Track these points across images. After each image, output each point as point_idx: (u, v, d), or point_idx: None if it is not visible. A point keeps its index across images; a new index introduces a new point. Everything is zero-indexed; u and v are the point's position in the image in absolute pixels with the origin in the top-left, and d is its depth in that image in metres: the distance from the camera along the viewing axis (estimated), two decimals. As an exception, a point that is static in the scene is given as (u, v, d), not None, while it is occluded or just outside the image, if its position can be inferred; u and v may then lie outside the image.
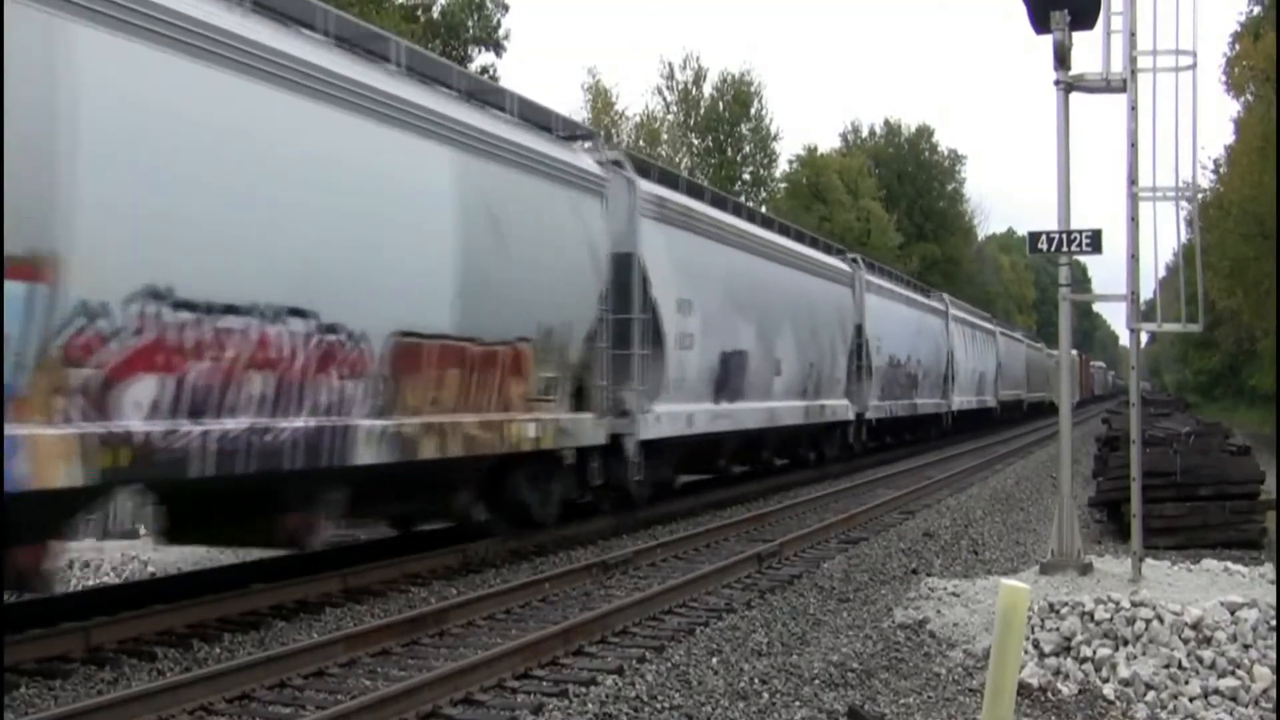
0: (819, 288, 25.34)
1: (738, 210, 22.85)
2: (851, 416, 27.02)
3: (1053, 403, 67.72)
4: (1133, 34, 10.25)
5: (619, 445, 15.56)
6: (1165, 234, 28.35)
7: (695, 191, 20.40)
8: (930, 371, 35.90)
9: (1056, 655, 8.40)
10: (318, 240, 10.18)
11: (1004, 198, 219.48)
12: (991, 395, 47.68)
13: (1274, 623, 8.31)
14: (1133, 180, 10.16)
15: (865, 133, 77.04)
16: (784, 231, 24.84)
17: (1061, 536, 10.42)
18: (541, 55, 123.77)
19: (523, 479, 13.97)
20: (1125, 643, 8.33)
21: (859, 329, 27.76)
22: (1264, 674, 7.90)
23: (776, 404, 22.17)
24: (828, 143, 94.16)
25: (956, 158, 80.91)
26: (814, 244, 26.97)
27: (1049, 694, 7.97)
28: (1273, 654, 8.06)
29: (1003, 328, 54.70)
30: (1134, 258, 10.18)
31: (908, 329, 32.92)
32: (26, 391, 7.73)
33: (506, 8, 36.38)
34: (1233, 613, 8.40)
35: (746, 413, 20.34)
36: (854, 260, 28.67)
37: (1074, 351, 66.54)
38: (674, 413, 17.24)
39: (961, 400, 40.88)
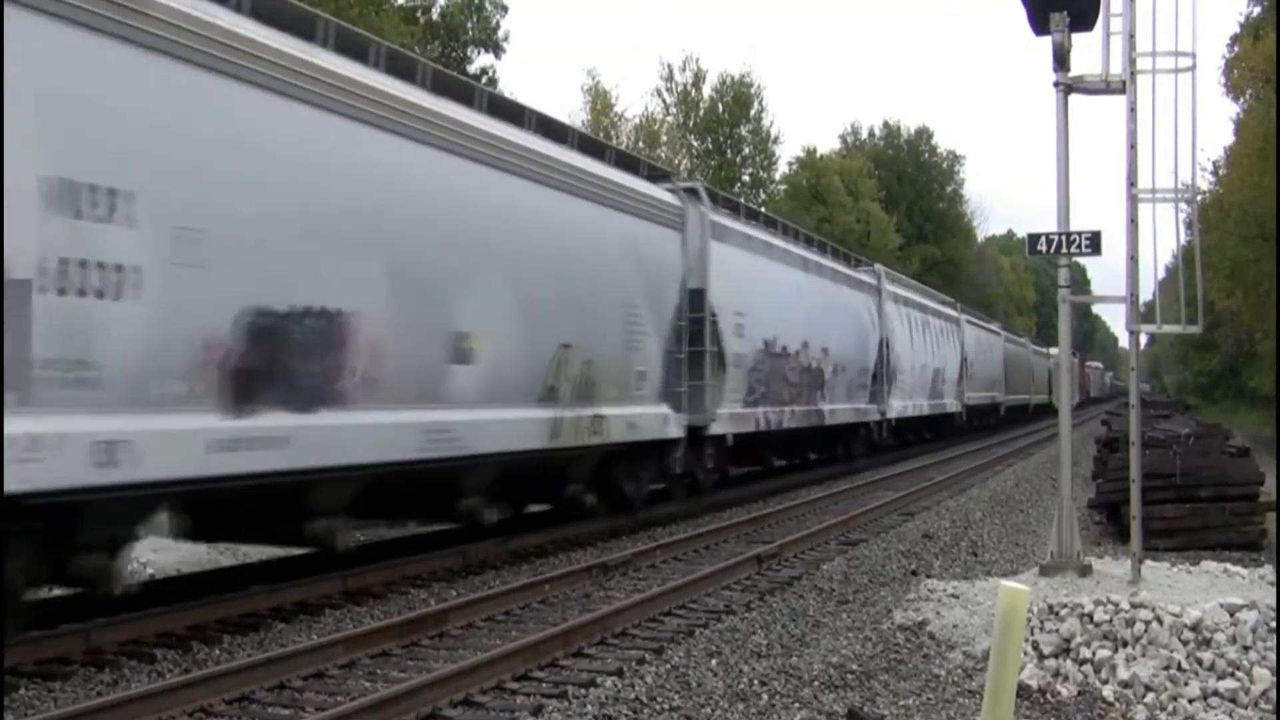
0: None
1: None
2: (673, 433, 17.14)
3: (1039, 406, 64.03)
4: (1132, 35, 10.25)
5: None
6: (1165, 235, 28.33)
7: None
8: (849, 366, 27.17)
9: (1056, 657, 8.40)
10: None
11: (1004, 199, 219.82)
12: (954, 398, 39.62)
13: (1273, 624, 8.31)
14: (1132, 182, 10.16)
15: (865, 134, 77.19)
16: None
17: (1061, 538, 10.42)
18: (540, 56, 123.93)
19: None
20: (1125, 644, 8.33)
21: (695, 295, 17.97)
22: (1263, 676, 7.90)
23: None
24: (827, 144, 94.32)
25: (956, 159, 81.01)
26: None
27: (1048, 695, 7.97)
28: (1272, 656, 8.06)
29: (972, 316, 46.45)
30: (1133, 259, 10.19)
31: (801, 303, 23.69)
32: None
33: (505, 9, 36.42)
34: (1232, 614, 8.40)
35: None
36: (690, 191, 18.98)
37: (1072, 351, 66.04)
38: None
39: (906, 405, 32.49)
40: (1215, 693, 7.82)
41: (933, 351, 36.22)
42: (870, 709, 7.53)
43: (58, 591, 10.52)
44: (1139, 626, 8.39)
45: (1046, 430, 47.38)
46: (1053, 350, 73.69)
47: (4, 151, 7.43)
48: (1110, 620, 8.49)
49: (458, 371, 12.11)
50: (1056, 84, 10.67)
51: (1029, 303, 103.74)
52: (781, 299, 22.24)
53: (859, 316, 28.63)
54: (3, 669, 7.73)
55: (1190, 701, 7.77)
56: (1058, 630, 8.57)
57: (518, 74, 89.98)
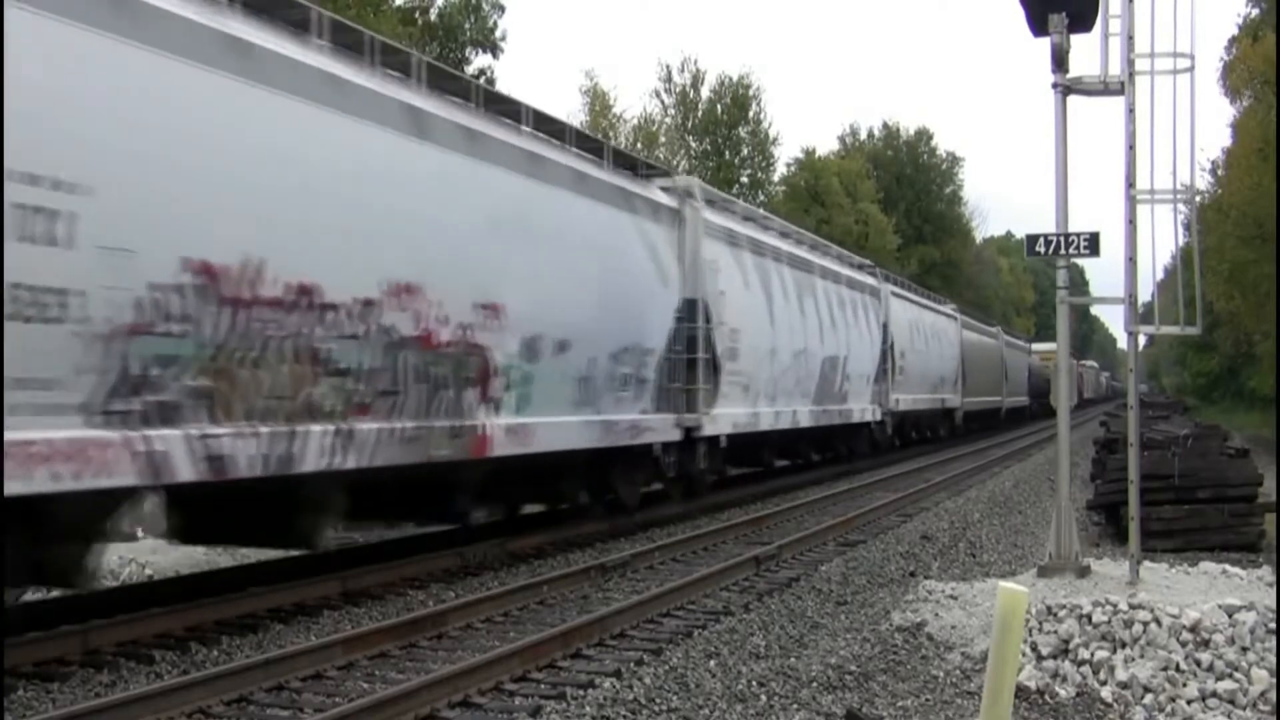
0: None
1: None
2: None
3: (1016, 410, 58.12)
4: (1131, 37, 10.25)
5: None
6: (1164, 237, 28.30)
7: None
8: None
9: (1054, 658, 8.40)
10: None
11: (1002, 200, 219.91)
12: (870, 401, 29.20)
13: (1272, 625, 8.31)
14: (1131, 183, 10.16)
15: (864, 135, 77.16)
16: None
17: (1060, 539, 10.42)
18: (539, 57, 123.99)
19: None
20: (1123, 645, 8.33)
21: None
22: (1262, 676, 7.90)
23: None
24: (826, 145, 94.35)
25: (955, 160, 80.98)
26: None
27: (1047, 696, 7.98)
28: (1271, 657, 8.06)
29: (906, 291, 35.96)
30: (1132, 260, 10.19)
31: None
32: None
33: (503, 9, 36.44)
34: (1231, 615, 8.40)
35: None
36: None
37: (1053, 348, 64.82)
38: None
39: (742, 414, 21.82)
40: (1214, 694, 7.83)
41: (818, 332, 24.83)
42: (868, 710, 7.53)
43: (56, 593, 10.53)
44: (1137, 628, 8.39)
45: (1039, 434, 47.37)
46: (1037, 345, 70.75)
47: (3, 151, 7.43)
48: (1109, 621, 8.50)
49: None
50: (1055, 85, 10.67)
51: (1027, 304, 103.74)
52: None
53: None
54: (3, 669, 7.73)
55: (1189, 703, 7.77)
56: (1056, 631, 8.57)
57: (516, 75, 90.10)
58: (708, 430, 18.05)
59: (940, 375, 38.58)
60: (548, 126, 14.65)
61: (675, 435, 17.26)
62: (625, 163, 17.14)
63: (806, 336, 24.01)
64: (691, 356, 17.64)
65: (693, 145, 55.96)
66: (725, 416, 18.97)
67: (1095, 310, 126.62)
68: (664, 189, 17.99)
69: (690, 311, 17.77)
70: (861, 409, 28.49)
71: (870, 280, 30.99)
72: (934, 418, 39.16)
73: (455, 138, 12.15)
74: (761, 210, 23.78)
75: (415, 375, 11.32)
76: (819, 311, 25.08)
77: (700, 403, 17.75)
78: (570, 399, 14.39)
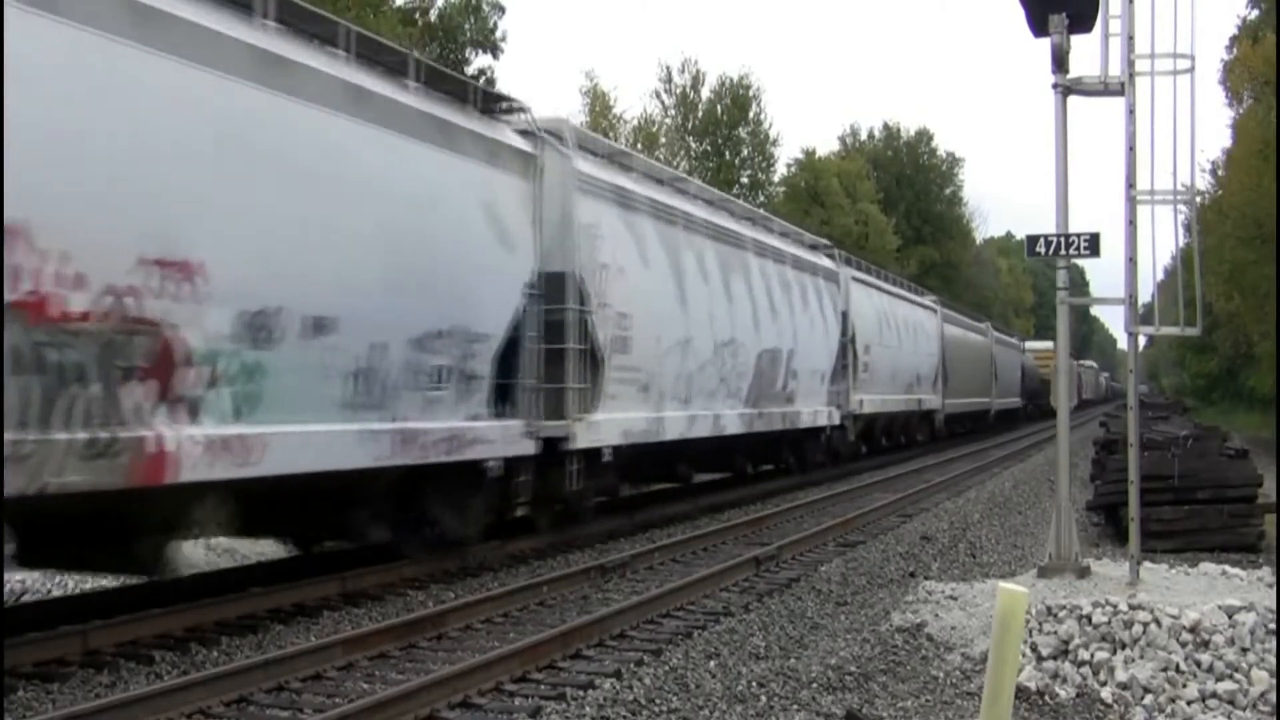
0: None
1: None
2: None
3: (1006, 413, 54.25)
4: (1131, 37, 10.25)
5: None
6: (1164, 237, 28.29)
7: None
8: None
9: (1054, 658, 8.40)
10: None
11: (1002, 201, 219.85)
12: (825, 403, 25.19)
13: (1272, 626, 8.31)
14: (1131, 184, 10.16)
15: (864, 136, 77.17)
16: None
17: (1059, 540, 10.42)
18: (539, 58, 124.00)
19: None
20: (1123, 646, 8.33)
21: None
22: (1261, 677, 7.90)
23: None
24: (826, 146, 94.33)
25: (955, 161, 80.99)
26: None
27: (1047, 697, 7.97)
28: (1270, 657, 8.06)
29: (871, 278, 31.57)
30: (1132, 261, 10.19)
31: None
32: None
33: (503, 10, 36.44)
34: (1230, 616, 8.40)
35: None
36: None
37: (1049, 346, 64.31)
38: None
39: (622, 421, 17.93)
40: (1213, 694, 7.83)
41: (751, 320, 20.80)
42: (868, 711, 7.53)
43: (55, 593, 10.53)
44: (1137, 628, 8.39)
45: (1031, 437, 47.36)
46: (1032, 344, 69.47)
47: (3, 151, 7.41)
48: (1109, 622, 8.50)
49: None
50: (1055, 86, 10.67)
51: (1027, 305, 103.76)
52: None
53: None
54: (3, 670, 7.73)
55: (1188, 703, 7.77)
56: (1056, 632, 8.57)
57: (516, 75, 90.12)
58: (582, 441, 14.22)
59: (916, 373, 34.68)
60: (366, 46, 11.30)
61: (525, 448, 13.35)
62: (452, 88, 12.83)
63: (735, 325, 19.77)
64: (556, 347, 13.83)
65: (693, 146, 55.98)
66: (611, 424, 15.15)
67: (1095, 311, 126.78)
68: (520, 131, 13.84)
69: (555, 289, 13.89)
70: (814, 411, 24.21)
71: (826, 262, 26.78)
72: (909, 421, 35.21)
73: (112, 18, 8.34)
74: (674, 170, 18.67)
75: (15, 364, 7.62)
76: (754, 296, 20.85)
77: (571, 406, 13.99)
78: (338, 400, 10.53)
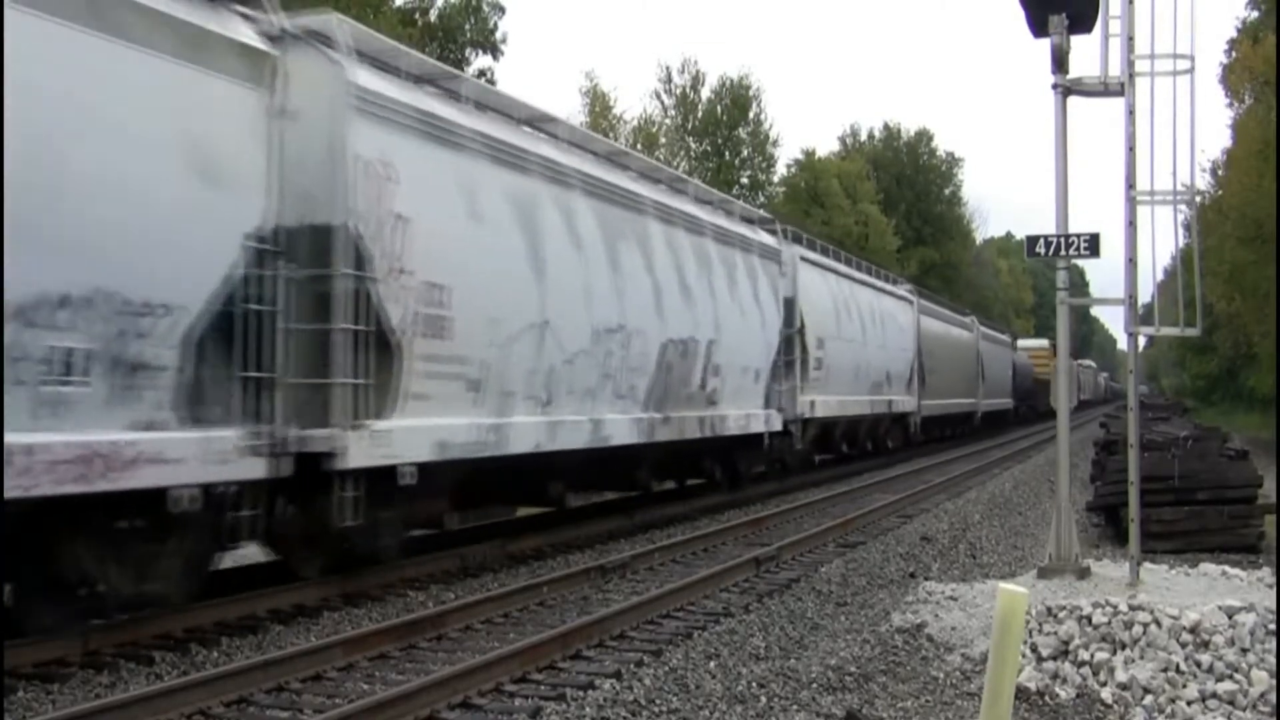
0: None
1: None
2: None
3: (993, 415, 49.23)
4: (1131, 38, 10.25)
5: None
6: (1164, 238, 28.28)
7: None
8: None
9: (1054, 659, 8.40)
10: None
11: (1002, 202, 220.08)
12: (759, 404, 21.06)
13: (1272, 627, 8.31)
14: (1131, 184, 10.16)
15: (864, 136, 77.19)
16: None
17: (1059, 540, 10.42)
18: (539, 58, 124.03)
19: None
20: (1123, 646, 8.33)
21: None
22: (1261, 678, 7.89)
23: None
24: (826, 146, 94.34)
25: (954, 161, 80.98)
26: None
27: (1047, 698, 7.97)
28: (1270, 658, 8.06)
29: (822, 258, 27.09)
30: (1132, 262, 10.19)
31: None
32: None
33: (503, 10, 36.43)
34: (1230, 617, 8.40)
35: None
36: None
37: (1050, 345, 63.50)
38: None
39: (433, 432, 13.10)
40: (1214, 695, 7.82)
41: (653, 302, 16.79)
42: (868, 711, 7.53)
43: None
44: (1137, 629, 8.38)
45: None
46: (1025, 342, 69.22)
47: (3, 151, 7.41)
48: (1109, 622, 8.49)
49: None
50: (1055, 86, 10.67)
51: (1027, 305, 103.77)
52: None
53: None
54: (2, 670, 7.73)
55: (1189, 704, 7.77)
56: (1056, 632, 8.56)
57: (516, 75, 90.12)
58: (361, 458, 10.56)
59: (886, 371, 30.81)
60: None
61: (247, 469, 9.67)
62: None
63: (627, 308, 15.76)
64: (318, 327, 10.36)
65: (693, 146, 56.00)
66: (415, 432, 11.40)
67: (1095, 311, 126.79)
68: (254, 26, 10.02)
69: (317, 247, 10.39)
70: (745, 416, 20.16)
71: (765, 238, 22.32)
72: (878, 425, 31.11)
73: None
74: (542, 109, 14.85)
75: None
76: (656, 272, 16.79)
77: (339, 410, 10.39)
78: None
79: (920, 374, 34.74)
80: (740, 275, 20.24)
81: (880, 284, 32.38)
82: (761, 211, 25.93)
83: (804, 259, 24.76)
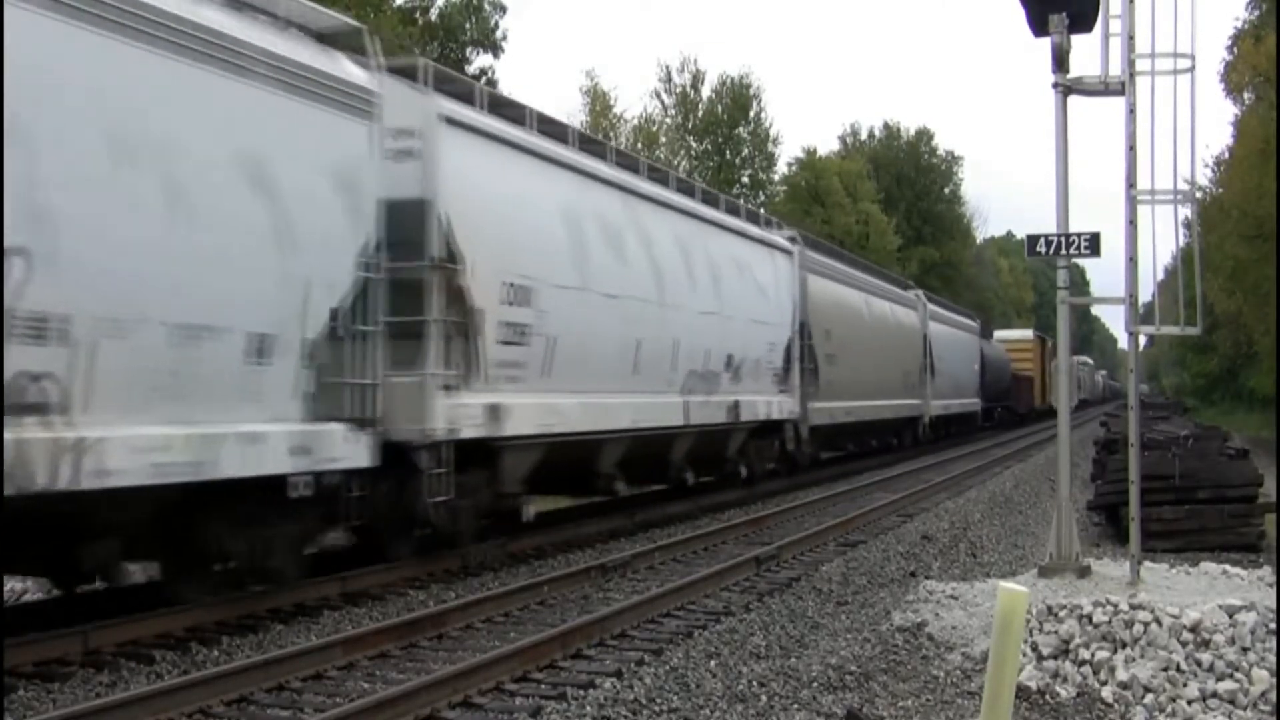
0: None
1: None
2: None
3: (950, 420, 39.35)
4: (1131, 37, 10.25)
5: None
6: (1164, 237, 28.20)
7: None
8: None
9: (1055, 658, 8.40)
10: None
11: (1003, 201, 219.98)
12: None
13: (1272, 626, 8.31)
14: (1131, 183, 10.16)
15: (864, 135, 77.19)
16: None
17: (1060, 539, 10.42)
18: (539, 58, 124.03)
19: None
20: (1123, 645, 8.33)
21: None
22: (1262, 677, 7.90)
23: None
24: (826, 145, 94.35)
25: (955, 161, 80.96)
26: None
27: (1047, 697, 7.97)
28: (1271, 657, 8.06)
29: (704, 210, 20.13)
30: (1132, 261, 10.19)
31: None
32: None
33: (504, 9, 36.41)
34: (1231, 616, 8.40)
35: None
36: None
37: (1035, 336, 61.81)
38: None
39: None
40: (1214, 694, 7.82)
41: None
42: (869, 710, 7.53)
43: (56, 592, 10.52)
44: (1138, 628, 8.39)
45: (1040, 434, 47.18)
46: (1002, 333, 59.79)
47: (4, 151, 7.41)
48: (1109, 621, 8.49)
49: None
50: (1055, 85, 10.67)
51: (1027, 305, 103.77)
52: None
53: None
54: (3, 670, 7.73)
55: (1189, 703, 7.77)
56: (1057, 631, 8.57)
57: (516, 75, 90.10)
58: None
59: (726, 354, 19.61)
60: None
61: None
62: None
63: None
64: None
65: (693, 145, 55.99)
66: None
67: (1096, 310, 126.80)
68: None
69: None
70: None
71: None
72: (715, 443, 19.71)
73: None
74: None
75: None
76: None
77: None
78: None
79: (809, 361, 23.86)
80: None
81: (727, 221, 20.97)
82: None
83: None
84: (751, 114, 56.99)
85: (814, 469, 25.43)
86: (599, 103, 49.74)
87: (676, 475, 18.77)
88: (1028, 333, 64.81)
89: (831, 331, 25.92)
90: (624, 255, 16.36)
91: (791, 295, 23.43)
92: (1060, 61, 10.60)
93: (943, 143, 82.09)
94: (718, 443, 20.01)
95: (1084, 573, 10.20)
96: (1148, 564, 10.63)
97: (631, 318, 16.31)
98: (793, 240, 24.31)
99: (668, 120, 55.48)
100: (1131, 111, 10.20)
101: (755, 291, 21.53)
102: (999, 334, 58.77)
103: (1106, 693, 7.96)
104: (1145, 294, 10.76)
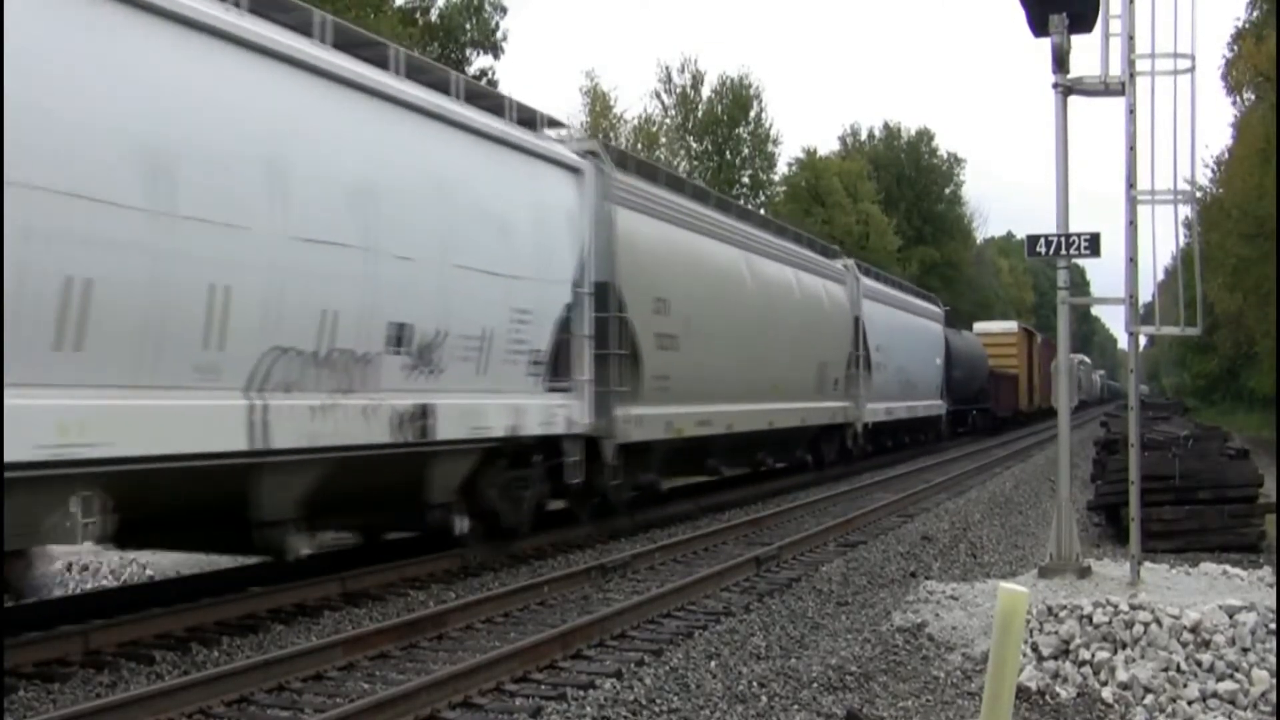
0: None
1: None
2: None
3: (901, 428, 31.98)
4: (1131, 37, 10.25)
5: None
6: (1164, 237, 28.16)
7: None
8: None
9: (1055, 658, 8.40)
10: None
11: (1003, 201, 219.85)
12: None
13: (1272, 626, 8.31)
14: (1131, 183, 10.16)
15: (864, 136, 77.17)
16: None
17: (1060, 540, 10.42)
18: (539, 58, 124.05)
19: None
20: (1124, 646, 8.33)
21: None
22: (1262, 677, 7.90)
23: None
24: (827, 146, 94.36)
25: (956, 161, 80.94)
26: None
27: (1047, 697, 7.97)
28: (1271, 657, 8.06)
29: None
30: (1132, 261, 10.19)
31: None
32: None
33: (505, 10, 36.41)
34: (1231, 616, 8.40)
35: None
36: None
37: (1020, 329, 59.94)
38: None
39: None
40: (1214, 694, 7.83)
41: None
42: (869, 711, 7.53)
43: (57, 593, 10.54)
44: (1138, 628, 8.39)
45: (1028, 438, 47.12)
46: (983, 326, 53.33)
47: (4, 151, 7.41)
48: (1109, 622, 8.50)
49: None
50: (1055, 85, 10.67)
51: (1027, 304, 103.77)
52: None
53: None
54: (3, 670, 7.74)
55: (1189, 703, 7.77)
56: (1057, 632, 8.57)
57: (517, 75, 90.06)
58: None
59: (389, 324, 11.34)
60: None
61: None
62: None
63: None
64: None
65: (693, 146, 55.99)
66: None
67: (1096, 311, 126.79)
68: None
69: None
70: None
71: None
72: (502, 482, 13.54)
73: None
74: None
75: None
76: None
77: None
78: None
79: (606, 344, 15.32)
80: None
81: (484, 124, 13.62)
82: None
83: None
84: (751, 114, 56.98)
85: (649, 506, 17.62)
86: (599, 103, 49.75)
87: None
88: (1011, 325, 56.10)
89: (671, 301, 17.31)
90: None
91: (578, 239, 15.02)
92: (1060, 62, 10.60)
93: (943, 143, 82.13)
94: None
95: (1084, 573, 10.20)
96: (1148, 564, 10.63)
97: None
98: (591, 158, 15.70)
99: (667, 121, 55.50)
100: (1131, 112, 10.20)
101: (485, 228, 13.01)
102: (979, 326, 53.45)
103: (1107, 693, 7.96)
104: (1145, 294, 10.77)
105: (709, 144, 56.24)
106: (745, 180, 57.10)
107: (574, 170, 15.20)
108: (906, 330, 33.25)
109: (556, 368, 14.30)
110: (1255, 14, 36.58)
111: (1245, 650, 8.17)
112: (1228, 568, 10.73)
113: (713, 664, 8.76)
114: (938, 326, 38.31)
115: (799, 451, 25.04)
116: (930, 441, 36.62)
